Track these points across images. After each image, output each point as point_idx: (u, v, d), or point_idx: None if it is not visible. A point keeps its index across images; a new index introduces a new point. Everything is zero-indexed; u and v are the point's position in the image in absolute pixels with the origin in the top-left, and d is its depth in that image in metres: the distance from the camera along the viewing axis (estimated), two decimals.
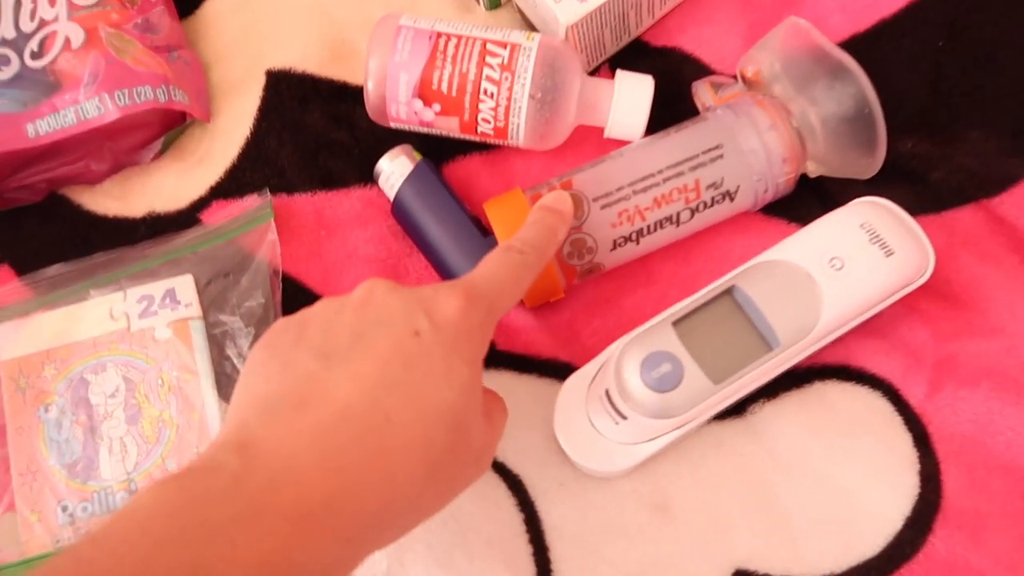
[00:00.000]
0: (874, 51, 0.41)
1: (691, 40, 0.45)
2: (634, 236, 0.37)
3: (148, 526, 0.22)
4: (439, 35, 0.39)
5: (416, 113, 0.40)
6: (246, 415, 0.25)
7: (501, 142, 0.41)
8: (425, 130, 0.41)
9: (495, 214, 0.38)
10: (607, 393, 0.32)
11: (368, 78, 0.40)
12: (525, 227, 0.33)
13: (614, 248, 0.37)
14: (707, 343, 0.32)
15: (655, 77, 0.44)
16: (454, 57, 0.39)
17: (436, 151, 0.42)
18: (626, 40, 0.45)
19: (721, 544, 0.36)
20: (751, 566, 0.35)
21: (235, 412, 0.26)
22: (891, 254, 0.33)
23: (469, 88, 0.39)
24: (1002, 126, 0.39)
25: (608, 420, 0.33)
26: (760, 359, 0.32)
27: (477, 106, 0.39)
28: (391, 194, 0.41)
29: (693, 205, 0.37)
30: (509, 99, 0.39)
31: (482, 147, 0.43)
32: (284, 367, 0.26)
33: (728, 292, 0.33)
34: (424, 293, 0.27)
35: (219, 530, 0.22)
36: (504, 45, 0.39)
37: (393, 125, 0.42)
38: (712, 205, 0.37)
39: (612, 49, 0.45)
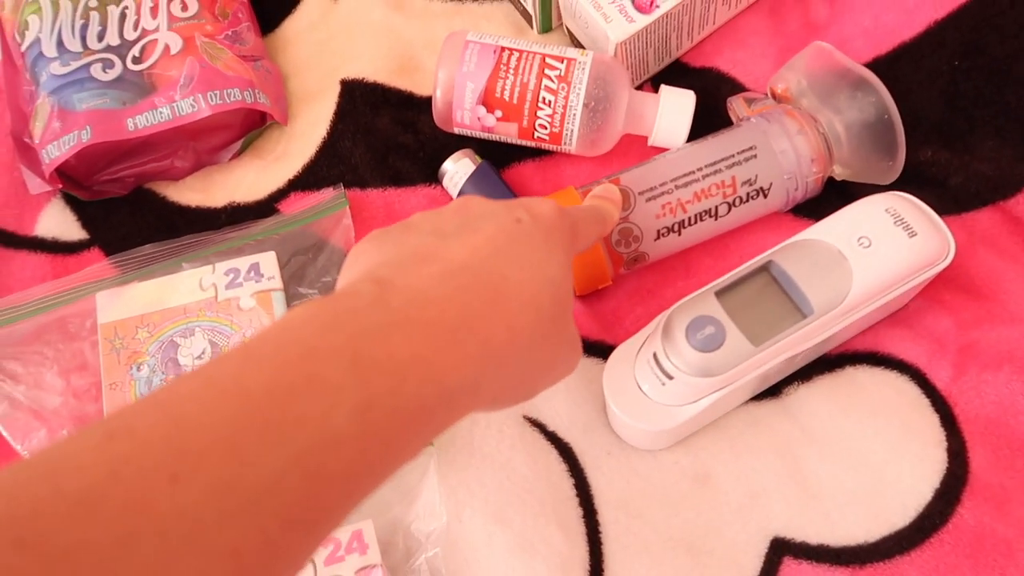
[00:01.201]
0: (895, 71, 0.46)
1: (727, 62, 0.50)
2: (676, 227, 0.42)
3: (305, 327, 0.23)
4: (503, 49, 0.44)
5: (479, 119, 0.45)
6: (369, 269, 0.27)
7: (555, 147, 0.46)
8: (485, 136, 0.46)
9: None
10: (654, 356, 0.36)
11: (437, 87, 0.45)
12: (584, 204, 0.37)
13: (658, 238, 0.42)
14: (747, 310, 0.36)
15: (694, 94, 0.49)
16: (516, 69, 0.44)
17: (492, 159, 0.47)
18: (667, 61, 0.50)
19: (758, 513, 0.39)
20: (787, 534, 0.38)
21: (354, 272, 0.28)
22: (914, 235, 0.37)
23: (529, 97, 0.44)
24: (1016, 134, 0.43)
25: (655, 381, 0.36)
26: (795, 325, 0.35)
27: (536, 113, 0.44)
28: (454, 192, 0.46)
29: (730, 200, 0.41)
30: (565, 107, 0.44)
31: (534, 154, 0.48)
32: (398, 243, 0.28)
33: (765, 267, 0.37)
34: (519, 200, 0.31)
35: (371, 332, 0.24)
36: (561, 59, 0.44)
37: (456, 131, 0.47)
38: (747, 200, 0.42)
39: (655, 68, 0.50)
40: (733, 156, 0.42)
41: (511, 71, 0.44)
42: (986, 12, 0.44)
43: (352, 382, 0.22)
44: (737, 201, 0.42)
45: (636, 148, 0.48)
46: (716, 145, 0.43)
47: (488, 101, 0.44)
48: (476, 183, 0.45)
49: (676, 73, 0.50)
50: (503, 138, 0.46)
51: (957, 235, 0.40)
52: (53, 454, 0.19)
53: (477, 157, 0.47)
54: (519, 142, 0.46)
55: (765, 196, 0.42)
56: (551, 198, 0.43)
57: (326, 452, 0.21)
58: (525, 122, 0.45)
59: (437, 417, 0.25)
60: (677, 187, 0.42)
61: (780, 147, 0.42)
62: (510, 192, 0.45)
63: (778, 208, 0.44)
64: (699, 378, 0.35)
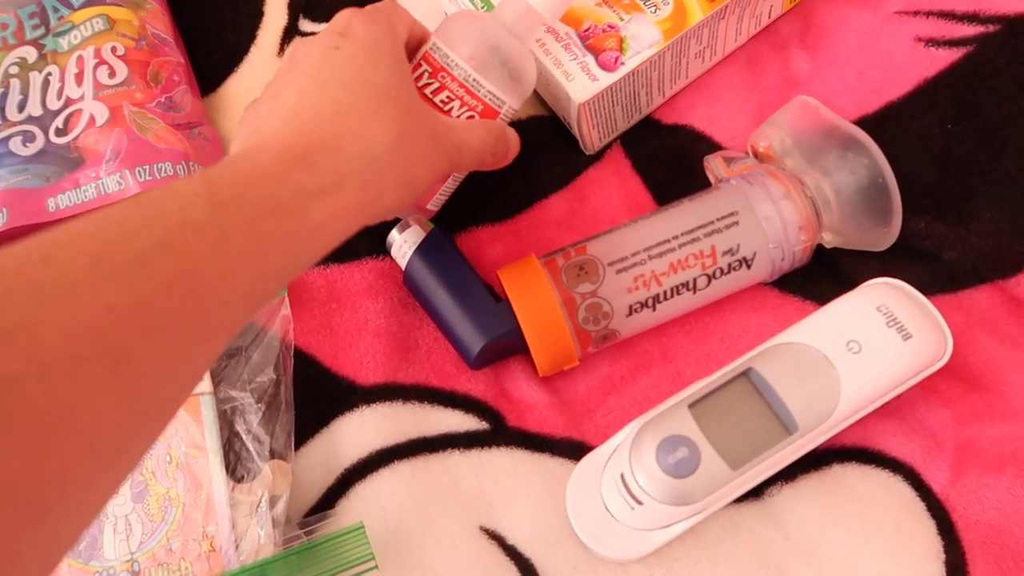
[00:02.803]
0: (882, 132, 0.41)
1: (701, 118, 0.45)
2: (650, 302, 0.37)
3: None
4: None
5: None
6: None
7: (501, 115, 0.38)
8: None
9: (509, 280, 0.37)
10: (622, 477, 0.31)
11: None
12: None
13: (630, 314, 0.37)
14: (724, 427, 0.31)
15: (666, 153, 0.44)
16: None
17: (449, 222, 0.42)
18: (637, 118, 0.45)
19: None
20: None
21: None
22: (909, 338, 0.32)
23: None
24: (1015, 206, 0.39)
25: (623, 504, 0.32)
26: (778, 444, 0.31)
27: (452, 114, 0.37)
28: (403, 263, 0.41)
29: (710, 271, 0.37)
30: (463, 86, 0.36)
31: (493, 218, 0.43)
32: (253, 115, 0.32)
33: (744, 374, 0.33)
34: (332, 22, 0.33)
35: (221, 165, 0.26)
36: (419, 64, 0.37)
37: (431, 207, 0.41)
38: (729, 272, 0.37)
39: (624, 126, 0.45)
40: (713, 223, 0.37)
41: None
42: (980, 72, 0.40)
43: (205, 190, 0.25)
44: (717, 273, 0.37)
45: (607, 218, 0.43)
46: (693, 210, 0.38)
47: None
48: (426, 252, 0.40)
49: (647, 130, 0.45)
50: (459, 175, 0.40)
51: (953, 317, 0.36)
52: None
53: (428, 223, 0.41)
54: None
55: (748, 267, 0.37)
56: (510, 269, 0.38)
57: (188, 235, 0.23)
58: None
59: (298, 214, 0.27)
60: (651, 257, 0.37)
61: (764, 213, 0.37)
62: (463, 260, 0.40)
63: (762, 279, 0.39)
64: (671, 506, 0.30)
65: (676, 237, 0.37)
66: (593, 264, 0.37)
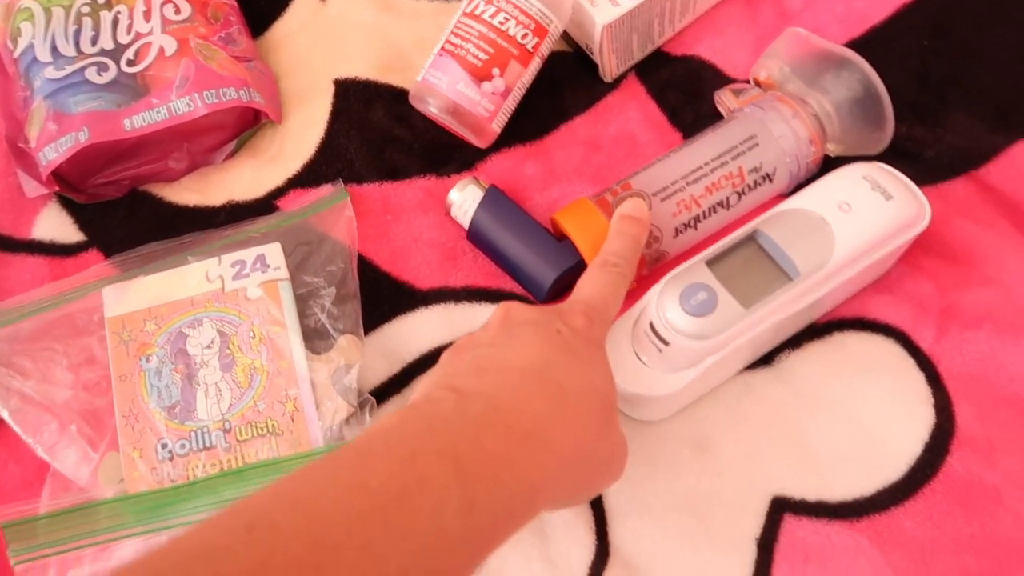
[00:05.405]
0: (867, 53, 0.49)
1: (706, 49, 0.53)
2: (692, 222, 0.44)
3: (404, 430, 0.27)
4: (446, 42, 0.48)
5: (492, 95, 0.47)
6: (437, 379, 0.31)
7: (548, 36, 0.48)
8: (511, 108, 0.49)
9: (568, 220, 0.44)
10: (651, 325, 0.39)
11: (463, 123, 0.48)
12: (612, 239, 0.40)
13: (676, 235, 0.44)
14: (736, 276, 0.39)
15: (678, 80, 0.53)
16: (465, 37, 0.47)
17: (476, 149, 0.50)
18: (650, 48, 0.54)
19: (758, 476, 0.42)
20: (786, 493, 0.41)
21: (424, 383, 0.32)
22: (890, 198, 0.40)
23: (494, 35, 0.47)
24: (985, 107, 0.47)
25: (652, 350, 0.39)
26: (783, 288, 0.39)
27: (513, 38, 0.47)
28: (465, 221, 0.47)
29: (739, 189, 0.45)
30: (516, 6, 0.47)
31: (524, 138, 0.51)
32: (457, 359, 0.33)
33: (752, 236, 0.41)
34: (553, 309, 0.34)
35: (464, 434, 0.28)
36: None
37: (495, 127, 0.49)
38: (755, 188, 0.45)
39: (638, 56, 0.53)
40: (736, 147, 0.45)
41: (464, 42, 0.47)
42: None
43: (456, 483, 0.26)
44: (746, 189, 0.45)
45: (627, 160, 0.51)
46: (718, 139, 0.45)
47: (479, 75, 0.47)
48: (489, 207, 0.46)
49: (659, 62, 0.54)
50: (519, 90, 0.49)
51: (934, 204, 0.44)
52: (200, 540, 0.23)
53: (482, 183, 0.48)
54: (528, 81, 0.49)
55: (771, 181, 0.45)
56: (566, 212, 0.45)
57: (439, 550, 0.25)
58: (516, 51, 0.47)
59: (519, 518, 0.28)
60: (688, 184, 0.44)
61: (779, 132, 0.45)
62: (521, 210, 0.47)
63: (781, 191, 0.47)
64: (694, 341, 0.38)
65: (707, 163, 0.45)
66: (641, 196, 0.44)
